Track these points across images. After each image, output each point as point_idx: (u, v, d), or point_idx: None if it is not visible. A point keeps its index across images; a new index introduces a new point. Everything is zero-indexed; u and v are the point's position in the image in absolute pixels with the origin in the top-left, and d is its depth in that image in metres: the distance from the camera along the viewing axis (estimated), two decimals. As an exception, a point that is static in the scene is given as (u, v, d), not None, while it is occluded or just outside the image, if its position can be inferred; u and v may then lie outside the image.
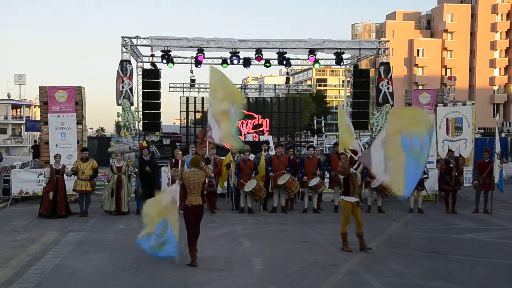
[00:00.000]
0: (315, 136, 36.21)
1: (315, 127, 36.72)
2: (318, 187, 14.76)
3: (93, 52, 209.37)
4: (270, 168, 14.71)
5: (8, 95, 75.42)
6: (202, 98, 31.06)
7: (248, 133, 27.74)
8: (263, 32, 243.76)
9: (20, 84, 74.48)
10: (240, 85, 38.69)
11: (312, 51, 21.58)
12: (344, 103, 28.07)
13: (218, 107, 10.12)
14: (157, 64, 24.16)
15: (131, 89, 19.66)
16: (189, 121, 30.42)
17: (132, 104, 19.81)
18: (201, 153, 15.26)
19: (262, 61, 23.64)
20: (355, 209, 10.13)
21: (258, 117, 29.86)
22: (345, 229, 10.03)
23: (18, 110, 76.72)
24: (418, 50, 76.65)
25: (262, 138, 25.23)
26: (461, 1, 79.44)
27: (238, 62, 22.83)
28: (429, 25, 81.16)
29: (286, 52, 21.86)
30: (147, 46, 21.38)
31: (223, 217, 13.84)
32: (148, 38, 20.72)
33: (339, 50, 21.68)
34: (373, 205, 15.02)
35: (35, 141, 41.05)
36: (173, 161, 14.49)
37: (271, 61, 24.69)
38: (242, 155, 15.22)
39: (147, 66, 24.93)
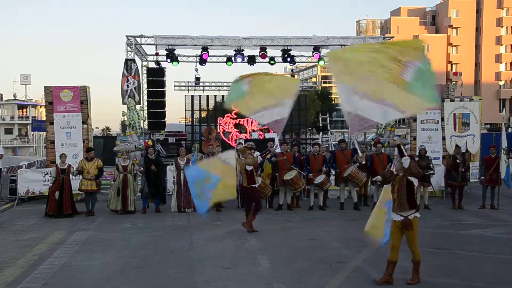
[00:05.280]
0: (321, 133, 36.26)
1: (321, 124, 36.77)
2: (324, 184, 14.72)
3: (98, 51, 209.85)
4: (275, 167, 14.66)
5: (14, 95, 75.73)
6: (207, 96, 31.06)
7: (254, 131, 27.73)
8: (267, 30, 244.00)
9: (26, 84, 74.78)
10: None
11: (316, 48, 21.54)
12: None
13: None
14: (161, 62, 24.20)
15: (136, 88, 19.68)
16: (194, 119, 30.43)
17: (139, 102, 19.79)
18: (207, 151, 15.28)
19: (267, 59, 23.66)
20: (407, 233, 7.63)
21: (264, 114, 29.79)
22: (415, 256, 7.72)
23: (24, 110, 77.03)
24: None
25: (268, 135, 25.20)
26: (466, -4, 79.18)
27: (243, 60, 22.82)
28: (434, 20, 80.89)
29: (290, 50, 21.83)
30: (152, 45, 21.41)
31: (229, 215, 13.82)
32: (152, 37, 20.74)
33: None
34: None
35: None
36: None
37: (275, 59, 24.66)
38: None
39: (152, 65, 24.99)
